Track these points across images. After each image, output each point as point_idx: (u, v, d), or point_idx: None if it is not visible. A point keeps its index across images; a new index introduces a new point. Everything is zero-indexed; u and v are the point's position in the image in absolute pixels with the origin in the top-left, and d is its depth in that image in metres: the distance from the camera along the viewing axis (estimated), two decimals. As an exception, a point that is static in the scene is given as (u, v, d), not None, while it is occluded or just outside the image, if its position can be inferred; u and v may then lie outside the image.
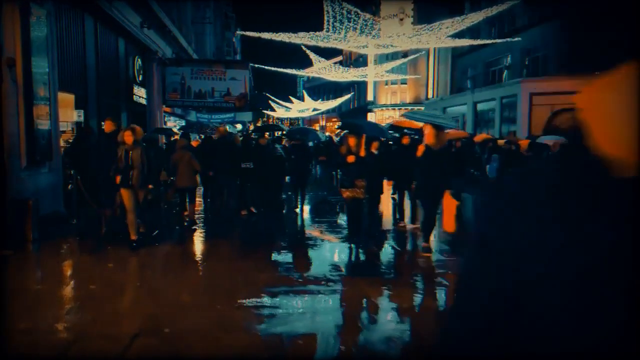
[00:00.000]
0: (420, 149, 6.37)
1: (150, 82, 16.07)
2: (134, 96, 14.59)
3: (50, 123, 8.04)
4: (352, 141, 6.55)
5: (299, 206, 10.21)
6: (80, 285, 5.31)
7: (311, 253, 6.96)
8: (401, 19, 41.03)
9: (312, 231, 8.45)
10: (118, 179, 6.62)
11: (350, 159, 6.55)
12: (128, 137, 6.59)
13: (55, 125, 8.34)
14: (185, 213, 9.08)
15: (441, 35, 20.10)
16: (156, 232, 7.78)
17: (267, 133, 11.62)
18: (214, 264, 6.26)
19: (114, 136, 7.05)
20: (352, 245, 6.96)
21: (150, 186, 6.95)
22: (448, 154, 6.73)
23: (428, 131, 6.32)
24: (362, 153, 6.45)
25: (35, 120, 7.51)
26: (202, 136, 12.00)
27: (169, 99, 17.37)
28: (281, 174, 10.02)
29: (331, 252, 7.10)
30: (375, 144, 7.80)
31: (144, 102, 15.75)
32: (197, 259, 6.69)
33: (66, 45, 9.77)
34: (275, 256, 6.76)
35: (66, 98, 10.26)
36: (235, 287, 5.12)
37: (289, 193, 11.50)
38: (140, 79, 15.29)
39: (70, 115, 10.86)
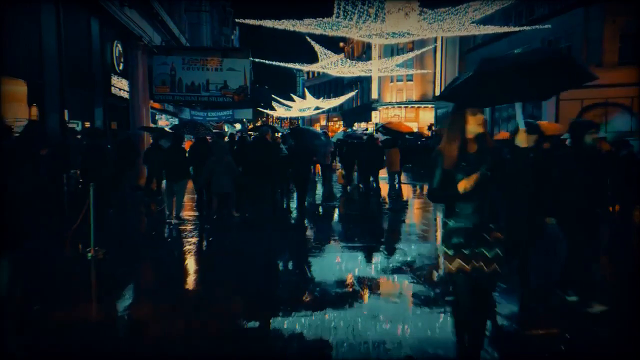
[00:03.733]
0: None
1: (133, 72, 13.82)
2: (113, 88, 12.33)
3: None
4: (474, 121, 2.70)
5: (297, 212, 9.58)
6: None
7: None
8: (406, 13, 39.09)
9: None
10: None
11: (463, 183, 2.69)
12: None
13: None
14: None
15: (465, 21, 18.16)
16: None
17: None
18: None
19: None
20: None
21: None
22: None
23: None
24: (525, 142, 2.66)
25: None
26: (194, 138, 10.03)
27: (157, 92, 15.14)
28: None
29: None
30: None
31: (125, 95, 13.50)
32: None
33: (9, 21, 7.55)
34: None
35: (18, 91, 8.06)
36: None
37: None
38: (120, 68, 13.03)
39: (24, 111, 8.66)
